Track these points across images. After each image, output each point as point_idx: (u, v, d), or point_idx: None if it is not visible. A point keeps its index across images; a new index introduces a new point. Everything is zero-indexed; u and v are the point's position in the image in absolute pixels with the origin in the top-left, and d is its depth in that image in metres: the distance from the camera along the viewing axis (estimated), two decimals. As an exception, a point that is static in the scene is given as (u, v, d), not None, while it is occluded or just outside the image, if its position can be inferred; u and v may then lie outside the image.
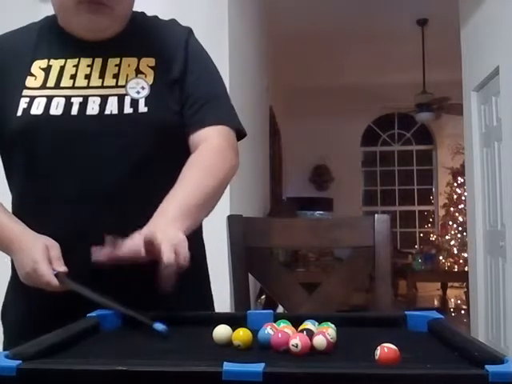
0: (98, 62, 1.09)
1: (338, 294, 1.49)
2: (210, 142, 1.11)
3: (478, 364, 0.72)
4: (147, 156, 1.06)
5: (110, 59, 1.09)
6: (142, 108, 1.05)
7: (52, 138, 1.03)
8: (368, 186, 9.25)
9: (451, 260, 7.20)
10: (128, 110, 1.05)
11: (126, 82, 1.07)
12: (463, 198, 7.21)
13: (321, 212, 7.38)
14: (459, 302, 7.11)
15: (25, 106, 1.03)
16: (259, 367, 0.69)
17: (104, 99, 1.05)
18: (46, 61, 1.09)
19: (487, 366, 0.68)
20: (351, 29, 5.95)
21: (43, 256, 0.96)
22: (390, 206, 9.04)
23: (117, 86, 1.07)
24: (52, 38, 1.12)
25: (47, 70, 1.08)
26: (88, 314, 1.07)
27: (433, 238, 8.20)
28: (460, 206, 7.55)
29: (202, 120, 1.11)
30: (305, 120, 8.39)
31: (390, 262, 1.48)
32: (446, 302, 7.08)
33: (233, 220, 1.53)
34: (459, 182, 7.57)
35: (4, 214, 1.04)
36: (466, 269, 5.60)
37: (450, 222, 7.71)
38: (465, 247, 6.24)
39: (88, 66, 1.08)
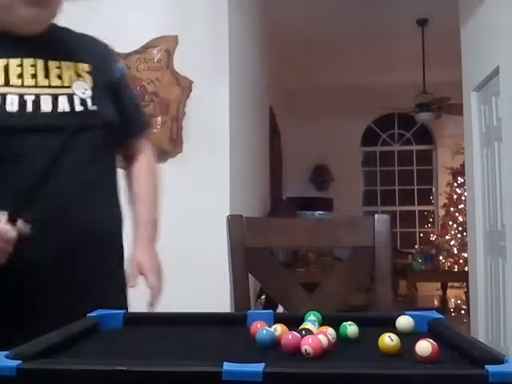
0: (40, 62, 1.17)
1: (337, 293, 1.49)
2: (148, 155, 1.44)
3: (478, 364, 0.72)
4: (96, 148, 1.20)
5: (50, 61, 1.19)
6: (91, 106, 1.19)
7: (7, 132, 1.10)
8: (368, 186, 9.24)
9: (451, 260, 7.20)
10: (79, 107, 1.17)
11: (71, 82, 1.19)
12: (463, 198, 7.21)
13: (321, 212, 7.38)
14: (459, 302, 7.11)
15: None
16: (259, 367, 0.69)
17: (55, 97, 1.15)
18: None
19: (487, 366, 0.69)
20: (351, 29, 5.95)
21: None
22: (389, 205, 9.04)
23: (63, 87, 1.17)
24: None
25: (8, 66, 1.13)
26: (88, 314, 1.07)
27: (433, 238, 8.19)
28: (460, 206, 7.55)
29: (140, 129, 1.42)
30: (305, 120, 8.39)
31: (390, 262, 1.48)
32: (446, 302, 7.07)
33: (233, 220, 1.53)
34: (459, 182, 7.56)
35: None
36: (466, 269, 5.60)
37: (450, 222, 7.70)
38: (465, 247, 6.24)
39: (32, 65, 1.16)
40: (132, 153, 1.40)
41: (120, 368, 0.71)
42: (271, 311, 1.11)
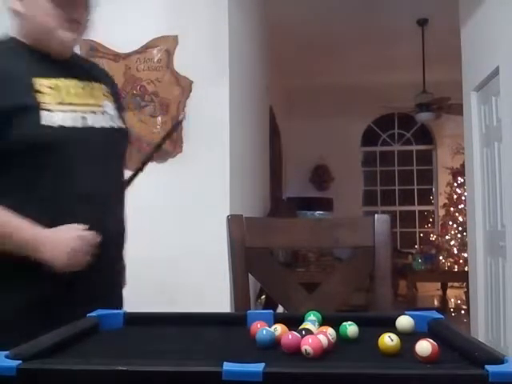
0: (79, 83, 1.34)
1: (338, 293, 1.49)
2: None
3: (477, 364, 0.72)
4: (121, 159, 1.43)
5: (84, 81, 1.36)
6: (119, 123, 1.40)
7: (69, 144, 1.25)
8: (368, 186, 9.24)
9: (451, 260, 7.20)
10: (111, 124, 1.36)
11: (102, 101, 1.37)
12: (463, 198, 7.20)
13: (321, 212, 7.37)
14: (459, 302, 7.11)
15: (48, 116, 1.23)
16: (259, 367, 0.69)
17: (94, 114, 1.32)
18: (41, 79, 1.27)
19: (487, 366, 0.69)
20: (351, 29, 5.95)
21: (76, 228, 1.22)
22: (389, 205, 9.03)
23: (97, 105, 1.34)
24: (34, 58, 1.31)
25: (51, 89, 1.27)
26: (88, 314, 1.07)
27: (433, 238, 8.19)
28: (460, 206, 7.54)
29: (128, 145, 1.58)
30: (305, 120, 8.39)
31: (390, 262, 1.48)
32: (446, 302, 7.07)
33: (233, 220, 1.53)
34: (459, 182, 7.56)
35: (12, 217, 1.20)
36: (466, 269, 5.60)
37: (450, 222, 7.70)
38: (465, 247, 6.23)
39: (73, 85, 1.32)
40: None
41: (120, 368, 0.71)
42: (271, 311, 1.11)
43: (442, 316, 1.08)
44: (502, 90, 3.53)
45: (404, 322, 1.02)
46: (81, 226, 1.23)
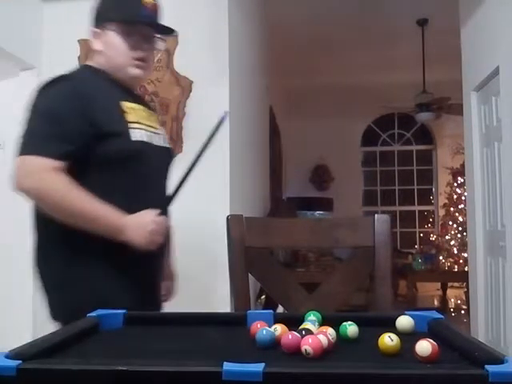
0: (145, 109, 1.63)
1: (337, 294, 1.49)
2: None
3: (477, 364, 0.72)
4: (170, 174, 1.68)
5: (147, 109, 1.65)
6: (169, 144, 1.70)
7: (149, 158, 1.53)
8: (368, 186, 9.24)
9: (451, 260, 7.19)
10: (167, 144, 1.67)
11: (158, 125, 1.67)
12: (463, 198, 7.20)
13: (321, 212, 7.37)
14: (459, 302, 7.11)
15: (134, 132, 1.49)
16: (259, 367, 0.69)
17: (157, 135, 1.60)
18: (126, 103, 1.54)
19: (487, 366, 0.69)
20: (351, 29, 5.95)
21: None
22: (390, 205, 9.03)
23: (157, 128, 1.63)
24: (113, 84, 1.56)
25: (131, 110, 1.53)
26: (88, 314, 1.07)
27: (433, 238, 8.19)
28: (460, 206, 7.54)
29: None
30: (305, 120, 8.39)
31: (390, 262, 1.48)
32: (446, 302, 7.07)
33: (233, 220, 1.53)
34: (459, 182, 7.56)
35: (100, 204, 1.40)
36: (466, 269, 5.59)
37: (450, 222, 7.70)
38: (465, 247, 6.24)
39: (143, 110, 1.60)
40: None
41: (120, 368, 0.71)
42: (271, 311, 1.11)
43: (442, 316, 1.08)
44: (502, 90, 3.53)
45: (404, 322, 1.02)
46: (155, 211, 1.45)
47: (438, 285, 7.41)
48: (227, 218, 1.57)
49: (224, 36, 3.50)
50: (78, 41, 3.66)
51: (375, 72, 7.37)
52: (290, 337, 0.86)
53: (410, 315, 1.04)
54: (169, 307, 1.68)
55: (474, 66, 4.13)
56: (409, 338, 0.88)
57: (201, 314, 1.15)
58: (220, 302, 2.20)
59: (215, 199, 3.40)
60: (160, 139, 1.61)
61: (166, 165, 1.65)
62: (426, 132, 9.01)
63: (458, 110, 5.25)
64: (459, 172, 7.32)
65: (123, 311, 1.12)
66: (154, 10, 1.57)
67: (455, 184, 7.75)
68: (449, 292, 7.31)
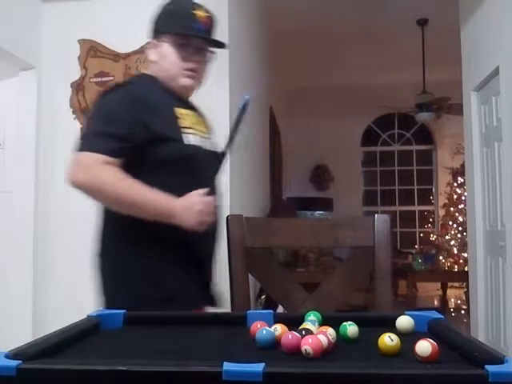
0: (197, 115, 1.72)
1: (338, 293, 1.49)
2: None
3: (478, 364, 0.72)
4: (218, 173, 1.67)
5: (199, 115, 1.73)
6: (218, 148, 1.69)
7: (201, 161, 1.59)
8: (368, 186, 9.24)
9: (451, 260, 7.19)
10: (215, 149, 1.69)
11: (209, 131, 1.75)
12: (463, 198, 7.20)
13: (321, 212, 7.36)
14: (459, 302, 7.11)
15: (188, 137, 1.58)
16: (259, 367, 0.69)
17: (208, 140, 1.69)
18: (180, 109, 1.62)
19: (487, 366, 0.69)
20: (351, 29, 5.95)
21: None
22: (389, 205, 9.03)
23: (208, 133, 1.72)
24: (165, 90, 1.64)
25: (185, 116, 1.62)
26: (88, 314, 1.07)
27: (433, 238, 8.19)
28: (460, 206, 7.54)
29: None
30: (305, 120, 8.39)
31: (390, 262, 1.48)
32: (446, 302, 7.07)
33: (233, 220, 1.53)
34: (459, 182, 7.56)
35: (150, 191, 1.47)
36: (466, 269, 5.59)
37: (450, 222, 7.70)
38: (465, 247, 6.23)
39: (194, 116, 1.68)
40: None
41: (120, 368, 0.71)
42: (271, 311, 1.11)
43: (442, 316, 1.08)
44: (502, 90, 3.53)
45: (404, 321, 1.02)
46: (202, 191, 1.48)
47: (438, 285, 7.41)
48: (227, 217, 1.57)
49: (224, 36, 3.50)
50: (78, 41, 3.66)
51: (375, 72, 7.38)
52: (290, 337, 0.86)
53: (409, 315, 1.04)
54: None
55: (474, 66, 4.13)
56: (409, 338, 0.88)
57: (201, 313, 1.15)
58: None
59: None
60: (210, 144, 1.70)
61: (215, 168, 1.66)
62: (426, 132, 9.01)
63: (458, 110, 5.26)
64: (459, 172, 7.32)
65: (123, 311, 1.12)
66: (207, 23, 1.65)
67: (455, 184, 7.75)
68: (449, 292, 7.31)
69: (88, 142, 1.52)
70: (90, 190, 1.48)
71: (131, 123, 1.51)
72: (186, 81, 1.65)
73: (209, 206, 1.49)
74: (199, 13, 1.63)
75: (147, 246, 1.52)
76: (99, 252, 1.60)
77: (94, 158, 1.47)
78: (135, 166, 1.51)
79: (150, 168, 1.53)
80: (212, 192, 1.53)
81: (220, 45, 1.69)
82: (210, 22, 1.66)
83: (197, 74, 1.67)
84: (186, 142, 1.57)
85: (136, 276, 1.52)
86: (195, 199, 1.48)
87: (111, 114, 1.54)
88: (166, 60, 1.65)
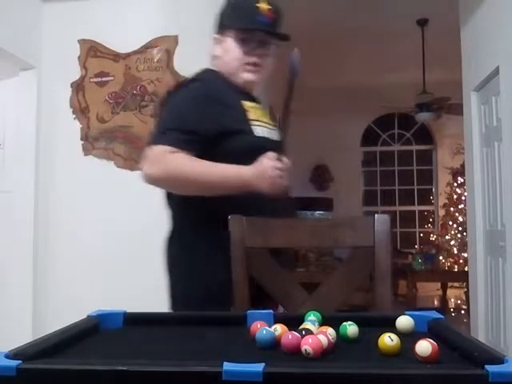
0: (261, 107, 1.72)
1: (337, 293, 1.49)
2: None
3: (477, 364, 0.72)
4: None
5: (262, 107, 1.73)
6: (281, 138, 1.69)
7: (268, 150, 1.54)
8: (368, 186, 9.24)
9: (451, 260, 7.19)
10: (279, 138, 1.69)
11: (272, 121, 1.73)
12: (463, 198, 7.20)
13: (321, 212, 7.36)
14: (459, 302, 7.10)
15: (256, 129, 1.60)
16: (259, 367, 0.69)
17: (274, 131, 1.69)
18: (246, 102, 1.64)
19: (487, 366, 0.69)
20: (351, 29, 5.95)
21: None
22: (389, 205, 9.03)
23: (272, 125, 1.72)
24: (230, 85, 1.66)
25: (251, 108, 1.64)
26: (88, 314, 1.07)
27: (433, 238, 8.19)
28: (460, 206, 7.54)
29: None
30: (305, 120, 8.39)
31: (390, 262, 1.48)
32: (446, 302, 7.07)
33: (233, 220, 1.53)
34: (459, 182, 7.56)
35: (221, 166, 1.50)
36: (466, 269, 5.59)
37: (450, 222, 7.70)
38: (465, 247, 6.23)
39: (259, 109, 1.70)
40: None
41: (120, 368, 0.71)
42: (271, 311, 1.11)
43: (442, 316, 1.08)
44: (502, 90, 3.53)
45: (404, 321, 1.02)
46: (273, 155, 1.49)
47: (438, 285, 7.40)
48: (227, 218, 1.57)
49: (224, 36, 3.51)
50: (78, 41, 3.66)
51: (375, 72, 7.37)
52: (290, 337, 0.85)
53: (409, 315, 1.04)
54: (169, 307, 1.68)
55: (474, 66, 4.13)
56: (409, 338, 0.88)
57: (201, 313, 1.15)
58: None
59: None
60: (276, 134, 1.71)
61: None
62: (426, 132, 9.01)
63: (458, 110, 5.25)
64: (459, 172, 7.32)
65: (123, 311, 1.12)
66: (271, 16, 1.64)
67: (455, 184, 7.75)
68: (449, 292, 7.31)
69: (156, 138, 1.52)
70: (166, 179, 1.50)
71: (199, 118, 1.53)
72: (247, 75, 1.66)
73: (281, 169, 1.49)
74: (262, 6, 1.62)
75: (215, 241, 1.54)
76: (168, 247, 1.69)
77: (160, 150, 1.49)
78: (207, 159, 1.52)
79: (222, 161, 1.52)
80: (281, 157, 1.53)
81: (283, 37, 1.69)
82: (273, 15, 1.64)
83: (259, 68, 1.67)
84: (255, 133, 1.60)
85: (203, 272, 1.56)
86: (267, 165, 1.48)
87: (179, 111, 1.57)
88: (229, 55, 1.66)
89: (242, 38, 1.64)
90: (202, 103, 1.56)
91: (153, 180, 1.50)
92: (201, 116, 1.54)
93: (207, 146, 1.52)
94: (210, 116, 1.54)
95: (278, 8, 1.67)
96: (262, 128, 1.63)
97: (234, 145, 1.56)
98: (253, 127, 1.60)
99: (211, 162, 1.49)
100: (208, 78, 1.66)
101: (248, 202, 1.53)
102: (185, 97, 1.59)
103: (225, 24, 1.69)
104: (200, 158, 1.51)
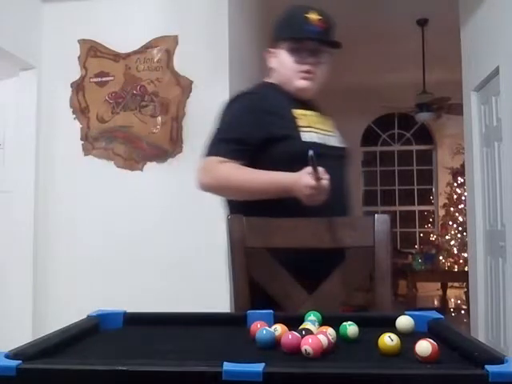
0: (318, 115, 1.78)
1: (338, 294, 1.49)
2: None
3: (477, 364, 0.72)
4: (344, 169, 1.79)
5: (320, 115, 1.80)
6: (344, 144, 1.82)
7: (320, 157, 1.55)
8: (368, 186, 9.24)
9: (451, 260, 7.19)
10: (341, 144, 1.80)
11: (332, 128, 1.81)
12: (463, 198, 7.20)
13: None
14: (459, 302, 7.10)
15: (304, 135, 1.66)
16: (259, 367, 0.69)
17: (331, 137, 1.76)
18: (298, 110, 1.71)
19: (487, 366, 0.69)
20: (351, 29, 5.93)
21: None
22: (389, 205, 9.03)
23: (330, 131, 1.78)
24: (284, 95, 1.74)
25: (302, 116, 1.71)
26: (88, 314, 1.07)
27: (433, 238, 8.19)
28: (460, 206, 7.54)
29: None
30: (305, 120, 8.39)
31: (390, 262, 1.48)
32: (446, 302, 7.07)
33: (233, 220, 1.53)
34: (459, 182, 7.56)
35: (266, 172, 1.59)
36: (466, 269, 5.59)
37: (450, 222, 7.69)
38: (465, 247, 6.23)
39: (316, 116, 1.76)
40: None
41: (120, 368, 0.71)
42: (271, 311, 1.11)
43: (442, 316, 1.08)
44: (502, 90, 3.53)
45: (404, 321, 1.02)
46: (308, 171, 1.47)
47: (438, 285, 7.41)
48: (227, 218, 1.57)
49: (224, 36, 3.51)
50: (78, 41, 3.66)
51: (375, 72, 7.37)
52: (290, 337, 0.86)
53: (409, 315, 1.04)
54: (169, 307, 1.68)
55: (474, 66, 4.13)
56: (409, 338, 0.88)
57: (201, 313, 1.15)
58: (220, 301, 2.20)
59: (215, 199, 3.39)
60: (334, 141, 1.77)
61: (340, 163, 1.78)
62: (426, 132, 9.00)
63: (458, 110, 5.25)
64: (459, 172, 7.32)
65: (123, 311, 1.12)
66: (321, 26, 1.71)
67: (455, 184, 7.75)
68: (449, 292, 7.31)
69: (209, 149, 1.66)
70: (216, 187, 1.64)
71: (249, 128, 1.64)
72: (300, 83, 1.73)
73: (314, 188, 1.48)
74: (312, 16, 1.70)
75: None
76: None
77: (212, 160, 1.62)
78: (258, 166, 1.61)
79: (270, 166, 1.61)
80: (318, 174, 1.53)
81: (334, 45, 1.75)
82: (323, 24, 1.71)
83: (312, 76, 1.73)
84: (303, 139, 1.65)
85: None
86: (302, 183, 1.49)
87: (230, 122, 1.70)
88: (282, 66, 1.76)
89: (292, 48, 1.72)
90: (251, 114, 1.66)
91: (205, 188, 1.64)
92: (249, 126, 1.64)
93: (256, 154, 1.63)
94: (258, 126, 1.64)
95: (328, 18, 1.74)
96: (313, 134, 1.68)
97: (281, 150, 1.64)
98: (301, 133, 1.66)
99: (257, 169, 1.60)
100: (260, 90, 1.78)
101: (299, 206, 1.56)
102: (236, 108, 1.71)
103: (277, 36, 1.78)
104: (250, 164, 1.61)
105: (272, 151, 1.64)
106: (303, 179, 1.50)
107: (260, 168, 1.61)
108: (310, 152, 1.38)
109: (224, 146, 1.64)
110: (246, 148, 1.63)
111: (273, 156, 1.64)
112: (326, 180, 1.49)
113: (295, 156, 1.60)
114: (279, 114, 1.69)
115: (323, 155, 1.61)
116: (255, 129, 1.64)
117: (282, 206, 1.57)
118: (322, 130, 1.73)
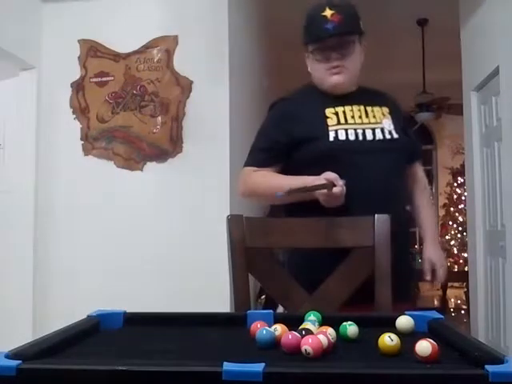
0: (361, 108, 1.77)
1: (338, 293, 1.49)
2: (420, 177, 1.98)
3: (478, 364, 0.72)
4: (396, 164, 1.74)
5: (366, 107, 1.78)
6: (395, 135, 1.76)
7: (350, 153, 1.67)
8: (368, 186, 9.23)
9: (451, 260, 7.19)
10: (388, 136, 1.74)
11: (381, 120, 1.77)
12: (463, 198, 7.20)
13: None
14: (459, 301, 7.10)
15: (333, 134, 1.69)
16: (259, 367, 0.69)
17: (373, 130, 1.73)
18: (330, 109, 1.74)
19: (487, 366, 0.69)
20: (351, 29, 5.95)
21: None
22: (389, 205, 9.01)
23: (377, 123, 1.76)
24: (320, 95, 1.80)
25: (335, 114, 1.73)
26: (88, 314, 1.07)
27: (433, 237, 8.17)
28: (460, 206, 7.54)
29: (418, 157, 1.95)
30: (305, 120, 8.39)
31: (390, 262, 1.48)
32: (446, 302, 7.07)
33: (233, 220, 1.53)
34: (459, 182, 7.56)
35: (290, 177, 1.67)
36: (466, 269, 5.59)
37: (450, 222, 7.70)
38: (465, 247, 6.23)
39: (356, 110, 1.76)
40: (410, 173, 1.90)
41: (120, 368, 0.71)
42: (271, 311, 1.11)
43: (442, 316, 1.08)
44: (501, 90, 3.52)
45: (404, 321, 1.02)
46: (325, 177, 1.54)
47: (438, 285, 7.40)
48: (227, 217, 1.57)
49: (224, 36, 3.50)
50: (78, 41, 3.66)
51: (375, 72, 7.36)
52: (290, 337, 0.86)
53: (410, 315, 1.04)
54: (169, 307, 1.68)
55: (474, 66, 4.13)
56: (409, 338, 0.88)
57: (201, 313, 1.15)
58: (220, 301, 2.20)
59: (215, 199, 3.40)
60: (378, 132, 1.74)
61: (382, 155, 1.73)
62: (426, 132, 9.00)
63: (458, 110, 5.25)
64: (459, 172, 7.32)
65: (123, 311, 1.12)
66: (336, 19, 1.73)
67: (455, 184, 7.75)
68: (449, 292, 7.31)
69: (246, 159, 1.83)
70: (250, 194, 1.82)
71: (275, 135, 1.77)
72: (332, 79, 1.77)
73: (330, 195, 1.55)
74: (326, 13, 1.74)
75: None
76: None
77: (246, 171, 1.80)
78: (289, 168, 1.73)
79: (297, 168, 1.70)
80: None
81: (355, 32, 1.76)
82: (338, 16, 1.73)
83: (342, 69, 1.76)
84: (331, 139, 1.69)
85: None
86: (320, 191, 1.55)
87: (261, 131, 1.85)
88: (313, 68, 1.83)
89: (316, 49, 1.79)
90: (278, 121, 1.80)
91: (243, 196, 1.83)
92: (276, 132, 1.76)
93: (285, 158, 1.75)
94: (284, 131, 1.74)
95: (343, 6, 1.75)
96: (343, 131, 1.70)
97: (303, 152, 1.71)
98: (330, 132, 1.70)
99: (281, 175, 1.72)
100: (292, 97, 1.88)
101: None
102: (269, 117, 1.86)
103: (304, 42, 1.87)
104: (283, 168, 1.75)
105: (296, 154, 1.72)
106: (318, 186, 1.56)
107: (290, 171, 1.72)
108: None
109: (256, 156, 1.80)
110: (276, 154, 1.76)
111: (297, 158, 1.72)
112: (339, 187, 1.54)
113: (319, 156, 1.67)
114: (305, 117, 1.75)
115: (355, 151, 1.68)
116: (280, 135, 1.74)
117: (318, 206, 1.60)
118: (360, 124, 1.74)
